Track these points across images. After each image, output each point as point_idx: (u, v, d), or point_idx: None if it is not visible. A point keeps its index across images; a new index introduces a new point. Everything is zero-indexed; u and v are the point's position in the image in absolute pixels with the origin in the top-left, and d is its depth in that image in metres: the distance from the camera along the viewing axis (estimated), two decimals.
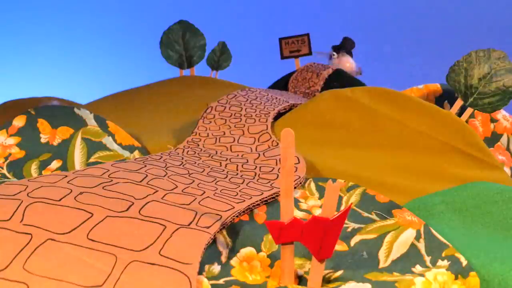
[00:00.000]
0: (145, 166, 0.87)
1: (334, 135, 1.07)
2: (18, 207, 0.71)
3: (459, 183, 0.94)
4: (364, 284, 0.69)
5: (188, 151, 1.01)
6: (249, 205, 0.81)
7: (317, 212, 0.83)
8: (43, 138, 1.02)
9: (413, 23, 2.17)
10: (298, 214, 0.83)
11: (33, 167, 0.98)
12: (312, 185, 0.90)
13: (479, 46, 1.12)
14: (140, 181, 0.81)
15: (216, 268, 0.72)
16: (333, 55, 1.38)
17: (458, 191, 0.90)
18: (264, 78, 1.55)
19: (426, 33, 2.16)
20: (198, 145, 1.03)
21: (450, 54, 1.18)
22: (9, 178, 0.95)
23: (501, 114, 1.19)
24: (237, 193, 0.83)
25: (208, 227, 0.72)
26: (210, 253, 0.73)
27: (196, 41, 1.51)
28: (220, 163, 0.96)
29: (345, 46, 1.41)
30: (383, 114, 1.06)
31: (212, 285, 0.69)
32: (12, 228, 0.68)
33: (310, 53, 1.50)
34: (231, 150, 1.02)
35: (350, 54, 1.43)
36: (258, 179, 0.90)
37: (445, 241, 0.76)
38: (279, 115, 1.16)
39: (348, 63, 1.40)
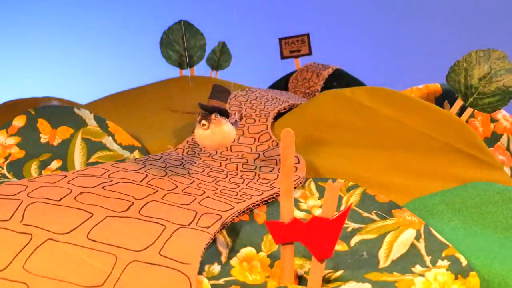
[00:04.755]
0: (145, 166, 0.87)
1: (334, 135, 1.07)
2: (18, 207, 0.71)
3: (459, 183, 0.94)
4: (364, 284, 0.69)
5: (188, 151, 1.01)
6: (249, 205, 0.81)
7: (317, 212, 0.83)
8: (43, 138, 1.02)
9: (413, 23, 2.17)
10: (298, 214, 0.83)
11: (33, 167, 0.98)
12: (312, 185, 0.90)
13: (479, 46, 1.12)
14: (140, 181, 0.81)
15: (216, 268, 0.72)
16: (203, 124, 0.77)
17: (458, 191, 0.90)
18: (264, 78, 1.55)
19: (426, 33, 2.16)
20: (198, 145, 1.03)
21: (450, 54, 1.18)
22: (9, 178, 0.95)
23: (501, 114, 1.19)
24: (237, 193, 0.83)
25: (208, 227, 0.72)
26: (210, 253, 0.73)
27: (196, 41, 1.51)
28: (220, 163, 0.96)
29: (217, 108, 0.80)
30: (383, 114, 1.06)
31: (212, 285, 0.69)
32: (12, 228, 0.68)
33: (310, 53, 1.50)
34: (231, 150, 1.02)
35: (226, 113, 0.80)
36: (258, 179, 0.90)
37: (445, 241, 0.76)
38: (279, 115, 1.16)
39: (226, 130, 0.78)
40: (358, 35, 2.21)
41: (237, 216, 0.78)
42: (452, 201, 0.88)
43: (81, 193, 0.75)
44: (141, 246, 0.67)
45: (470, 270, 0.71)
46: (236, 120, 0.82)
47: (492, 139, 1.17)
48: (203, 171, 0.90)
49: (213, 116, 0.78)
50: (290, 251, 0.70)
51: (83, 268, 0.64)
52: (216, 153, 1.00)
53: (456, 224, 0.85)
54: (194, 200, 0.78)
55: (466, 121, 1.11)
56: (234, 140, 1.04)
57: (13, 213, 0.70)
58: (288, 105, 1.19)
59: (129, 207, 0.73)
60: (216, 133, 0.78)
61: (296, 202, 0.84)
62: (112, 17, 2.27)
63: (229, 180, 0.88)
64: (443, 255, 0.74)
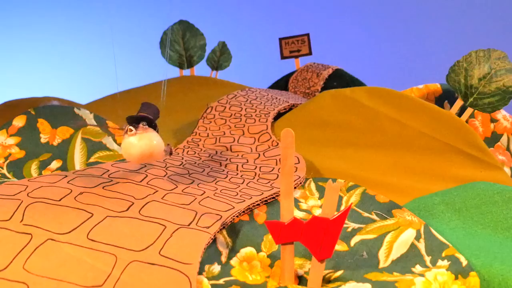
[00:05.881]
0: (145, 166, 0.87)
1: (334, 135, 1.07)
2: (18, 207, 0.71)
3: (459, 183, 0.94)
4: (364, 284, 0.69)
5: (188, 151, 1.01)
6: (249, 205, 0.81)
7: (317, 212, 0.83)
8: (43, 138, 1.02)
9: (413, 23, 2.17)
10: (298, 214, 0.83)
11: (33, 167, 0.98)
12: (312, 185, 0.90)
13: (479, 46, 1.12)
14: (140, 181, 0.81)
15: (216, 268, 0.72)
16: (130, 130, 0.76)
17: (458, 191, 0.90)
18: (264, 78, 1.56)
19: (426, 33, 2.16)
20: (198, 145, 1.03)
21: (450, 54, 1.18)
22: (9, 178, 0.95)
23: (501, 114, 1.19)
24: (237, 193, 0.83)
25: (208, 227, 0.72)
26: (210, 253, 0.73)
27: (196, 41, 1.51)
28: (220, 163, 0.96)
29: (146, 117, 0.79)
30: (383, 114, 1.06)
31: (212, 285, 0.69)
32: (12, 228, 0.68)
33: (310, 53, 1.50)
34: (231, 150, 1.02)
35: (154, 127, 0.80)
36: (258, 179, 0.90)
37: (445, 241, 0.76)
38: (279, 115, 1.16)
39: (154, 141, 0.78)
40: (358, 35, 2.21)
41: (237, 216, 0.78)
42: (452, 201, 0.88)
43: (81, 193, 0.75)
44: (141, 246, 0.67)
45: (470, 270, 0.71)
46: (167, 150, 0.80)
47: (492, 139, 1.17)
48: (203, 171, 0.90)
49: (141, 124, 0.76)
50: (290, 251, 0.70)
51: (83, 268, 0.64)
52: (216, 153, 1.00)
53: (456, 224, 0.85)
54: (194, 200, 0.78)
55: (466, 121, 1.11)
56: (234, 140, 1.04)
57: (13, 213, 0.70)
58: (288, 105, 1.19)
59: (129, 207, 0.73)
60: (143, 138, 0.76)
61: (296, 202, 0.84)
62: (112, 17, 2.27)
63: (229, 180, 0.88)
64: (443, 255, 0.74)
